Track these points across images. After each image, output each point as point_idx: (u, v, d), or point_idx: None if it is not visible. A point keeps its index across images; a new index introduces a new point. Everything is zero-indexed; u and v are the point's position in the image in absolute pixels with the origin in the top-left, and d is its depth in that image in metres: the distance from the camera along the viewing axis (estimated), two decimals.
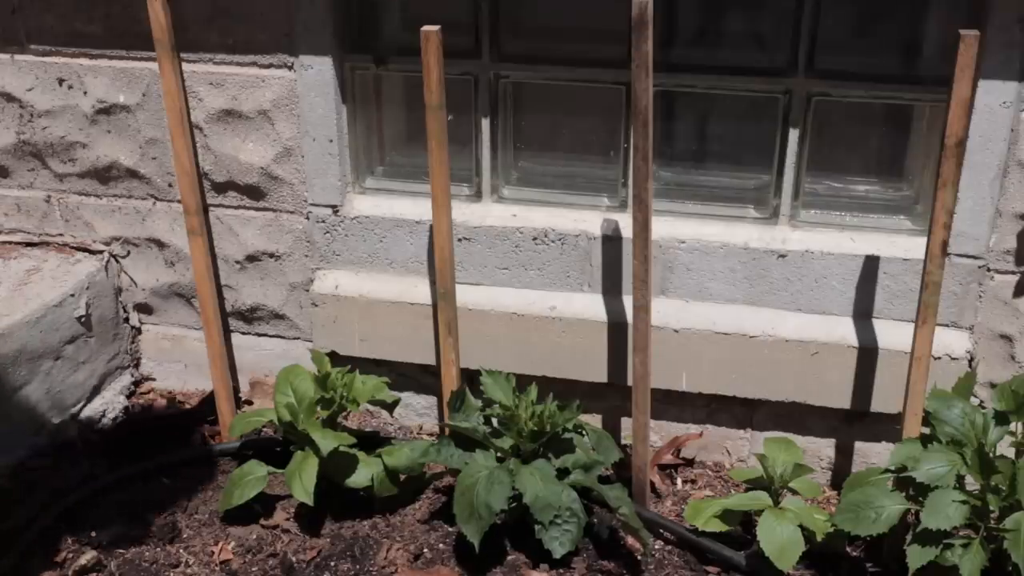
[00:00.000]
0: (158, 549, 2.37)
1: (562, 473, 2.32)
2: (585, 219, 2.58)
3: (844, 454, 2.60)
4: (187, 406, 2.93)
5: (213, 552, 2.37)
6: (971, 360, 2.42)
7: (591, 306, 2.58)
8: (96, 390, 2.84)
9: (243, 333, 2.83)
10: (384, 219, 2.66)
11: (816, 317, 2.49)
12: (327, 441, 2.35)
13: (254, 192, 2.70)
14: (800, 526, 2.20)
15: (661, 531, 2.43)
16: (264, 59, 2.55)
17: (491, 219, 2.61)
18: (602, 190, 2.61)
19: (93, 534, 2.41)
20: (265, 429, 2.69)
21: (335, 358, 2.72)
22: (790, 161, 2.45)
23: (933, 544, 2.02)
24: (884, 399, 2.45)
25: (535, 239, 2.58)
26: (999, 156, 2.26)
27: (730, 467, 2.68)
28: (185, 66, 2.53)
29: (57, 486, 2.53)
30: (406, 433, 2.83)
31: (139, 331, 2.99)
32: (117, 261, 2.90)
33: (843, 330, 2.46)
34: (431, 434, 2.82)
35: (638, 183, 2.20)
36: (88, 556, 2.32)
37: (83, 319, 2.76)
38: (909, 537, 2.07)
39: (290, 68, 2.54)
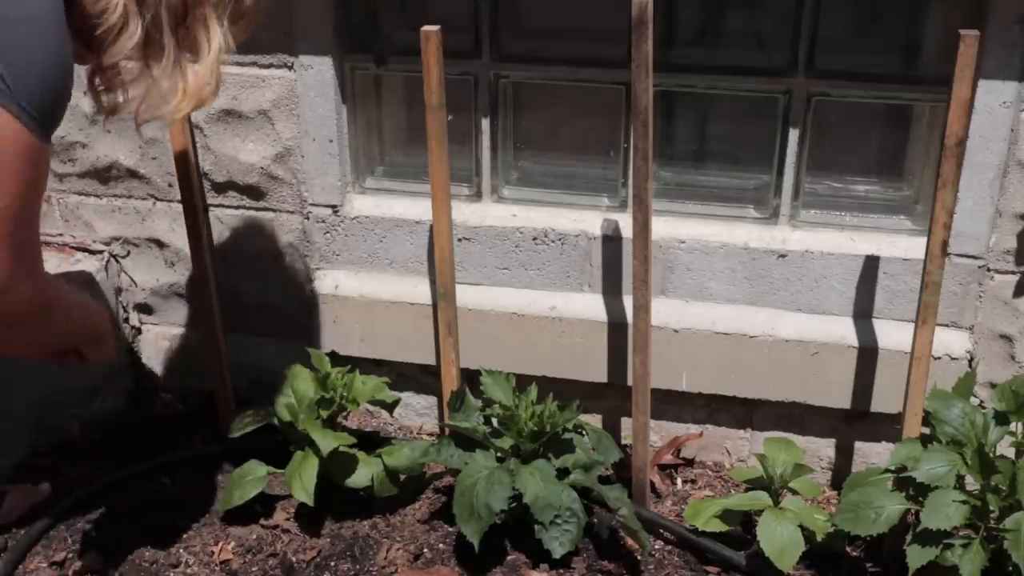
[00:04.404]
0: (158, 549, 2.37)
1: (562, 473, 2.32)
2: (585, 219, 2.57)
3: (844, 454, 2.60)
4: (187, 406, 2.93)
5: (213, 552, 2.37)
6: (971, 360, 2.42)
7: (591, 306, 2.58)
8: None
9: (243, 333, 2.83)
10: (384, 219, 2.65)
11: (816, 317, 2.49)
12: (327, 441, 2.35)
13: (254, 192, 2.70)
14: (800, 526, 2.20)
15: (661, 531, 2.43)
16: (264, 59, 2.55)
17: (491, 219, 2.61)
18: (602, 190, 2.61)
19: (93, 534, 2.41)
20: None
21: (335, 358, 2.72)
22: (790, 161, 2.45)
23: (933, 544, 2.02)
24: (884, 399, 2.45)
25: (535, 239, 2.58)
26: (999, 156, 2.26)
27: (730, 467, 2.68)
28: None
29: (57, 486, 2.53)
30: (406, 433, 2.83)
31: (139, 331, 2.99)
32: (117, 261, 2.90)
33: (843, 330, 2.46)
34: (431, 434, 2.82)
35: (638, 183, 2.20)
36: (88, 556, 2.32)
37: None
38: (909, 537, 2.07)
39: (290, 68, 2.54)
